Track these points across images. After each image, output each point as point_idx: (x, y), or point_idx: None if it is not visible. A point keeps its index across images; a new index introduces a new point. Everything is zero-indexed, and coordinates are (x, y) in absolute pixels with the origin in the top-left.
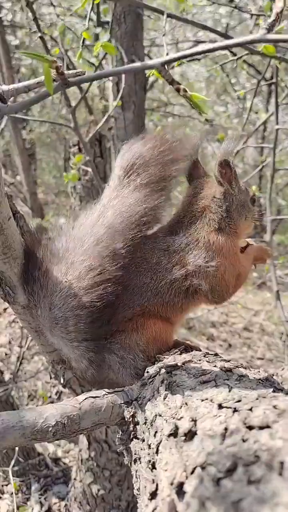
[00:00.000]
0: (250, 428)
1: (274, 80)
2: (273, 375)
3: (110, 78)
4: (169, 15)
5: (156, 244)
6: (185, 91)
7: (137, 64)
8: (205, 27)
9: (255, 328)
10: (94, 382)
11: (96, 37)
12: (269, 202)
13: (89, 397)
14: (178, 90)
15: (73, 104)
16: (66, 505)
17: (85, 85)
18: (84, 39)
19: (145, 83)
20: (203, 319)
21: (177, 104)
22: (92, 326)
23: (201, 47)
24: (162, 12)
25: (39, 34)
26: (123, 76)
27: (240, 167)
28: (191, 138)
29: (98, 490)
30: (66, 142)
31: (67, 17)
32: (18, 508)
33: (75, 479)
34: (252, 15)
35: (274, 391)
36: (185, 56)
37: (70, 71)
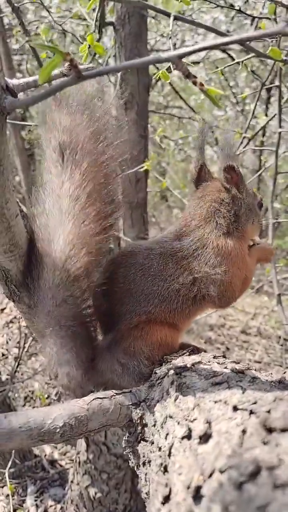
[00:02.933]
0: (271, 430)
1: (277, 83)
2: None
3: (112, 79)
4: (176, 17)
5: (164, 249)
6: (202, 84)
7: (152, 57)
8: (210, 29)
9: (253, 332)
10: (85, 388)
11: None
12: (270, 206)
13: (97, 398)
14: (195, 83)
15: None
16: (62, 507)
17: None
18: (89, 44)
19: (148, 84)
20: (201, 322)
21: (176, 106)
22: (89, 331)
23: (219, 40)
24: (168, 14)
25: (27, 38)
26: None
27: None
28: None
29: (95, 493)
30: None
31: (67, 19)
32: (14, 510)
33: (72, 481)
34: (253, 17)
35: None
36: (202, 49)
37: (82, 66)
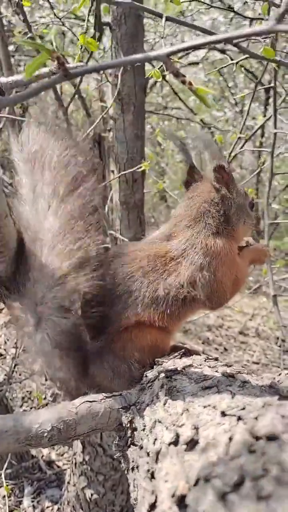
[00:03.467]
0: (257, 438)
1: (272, 85)
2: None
3: (110, 79)
4: (168, 18)
5: (153, 250)
6: (190, 84)
7: (140, 55)
8: (204, 30)
9: (251, 333)
10: (78, 391)
11: (99, 39)
12: (267, 206)
13: (86, 401)
14: (183, 82)
15: (72, 105)
16: (59, 509)
17: (77, 82)
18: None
19: (145, 84)
20: (199, 322)
21: (175, 107)
22: (80, 334)
23: (207, 38)
24: (160, 16)
25: (30, 34)
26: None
27: (238, 172)
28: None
29: (92, 495)
30: None
31: (64, 20)
32: (11, 511)
33: (68, 482)
34: (251, 19)
35: (279, 399)
36: (190, 47)
37: (71, 64)
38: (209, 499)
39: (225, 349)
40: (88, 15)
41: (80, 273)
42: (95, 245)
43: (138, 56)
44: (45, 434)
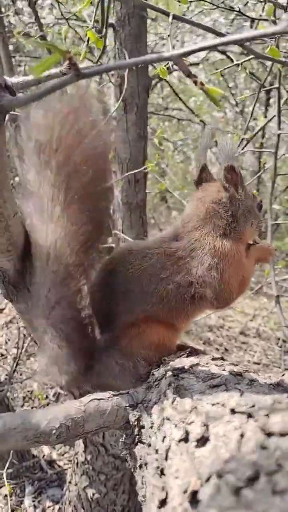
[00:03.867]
0: (269, 435)
1: (276, 85)
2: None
3: (113, 80)
4: (174, 17)
5: (162, 249)
6: (202, 84)
7: (153, 55)
8: (209, 29)
9: (252, 333)
10: (82, 388)
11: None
12: (269, 207)
13: (94, 399)
14: (195, 83)
15: None
16: (60, 508)
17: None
18: (88, 38)
19: (148, 85)
20: (200, 323)
21: (176, 108)
22: (88, 331)
23: (220, 39)
24: (167, 14)
25: (41, 33)
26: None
27: None
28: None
29: (93, 494)
30: None
31: (69, 20)
32: (12, 511)
33: (70, 482)
34: (252, 20)
35: None
36: (204, 48)
37: (81, 65)
38: (223, 495)
39: (226, 350)
40: (95, 14)
41: (86, 273)
42: (101, 243)
43: (152, 56)
44: (54, 431)
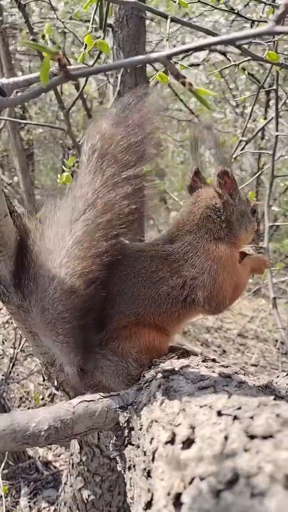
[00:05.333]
0: (252, 437)
1: (274, 87)
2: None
3: (111, 80)
4: (173, 19)
5: (155, 252)
6: (190, 85)
7: (141, 56)
8: (208, 32)
9: (250, 335)
10: (80, 388)
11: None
12: (267, 209)
13: (84, 400)
14: (183, 83)
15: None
16: (55, 509)
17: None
18: (86, 44)
19: (146, 86)
20: (198, 324)
21: (176, 109)
22: (83, 331)
23: (207, 40)
24: (166, 16)
25: (32, 37)
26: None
27: (237, 174)
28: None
29: (89, 495)
30: (64, 144)
31: (68, 20)
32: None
33: (65, 483)
34: (253, 21)
35: (275, 399)
36: (191, 49)
37: (72, 66)
38: (204, 497)
39: (224, 351)
40: (94, 16)
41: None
42: (109, 249)
43: (139, 57)
44: (42, 433)
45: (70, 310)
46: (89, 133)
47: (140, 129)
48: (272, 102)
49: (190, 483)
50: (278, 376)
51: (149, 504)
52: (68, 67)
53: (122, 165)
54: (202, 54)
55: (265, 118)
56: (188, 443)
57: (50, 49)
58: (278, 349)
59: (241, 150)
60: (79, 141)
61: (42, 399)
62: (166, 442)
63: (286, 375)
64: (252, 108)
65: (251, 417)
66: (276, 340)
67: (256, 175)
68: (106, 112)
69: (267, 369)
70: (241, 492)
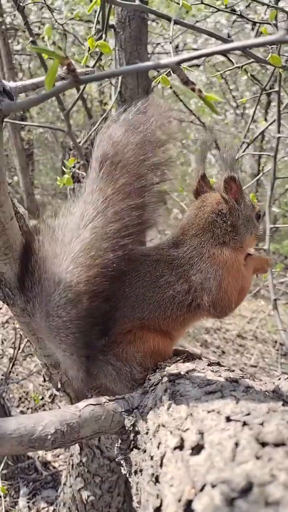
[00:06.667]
0: (264, 444)
1: (276, 89)
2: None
3: (113, 82)
4: (176, 22)
5: (160, 256)
6: (200, 91)
7: (150, 62)
8: (211, 34)
9: (249, 336)
10: (83, 390)
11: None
12: (268, 210)
13: (89, 404)
14: (193, 90)
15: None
16: (54, 510)
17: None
18: (89, 47)
19: (148, 87)
20: (197, 325)
21: (176, 110)
22: (87, 336)
23: (218, 47)
24: (169, 19)
25: (31, 39)
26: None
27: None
28: (170, 121)
29: (88, 496)
30: (64, 144)
31: (69, 21)
32: None
33: (64, 484)
34: (254, 23)
35: (283, 405)
36: (202, 55)
37: (80, 70)
38: (216, 505)
39: (223, 352)
40: (97, 17)
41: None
42: (115, 260)
43: (149, 63)
44: (49, 437)
45: (74, 320)
46: (101, 139)
47: (154, 139)
48: (273, 103)
49: (201, 490)
50: (279, 379)
51: (158, 510)
52: (77, 71)
53: (136, 176)
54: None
55: (266, 120)
56: (197, 449)
57: (59, 55)
58: (277, 350)
59: (243, 151)
60: (79, 142)
61: (42, 399)
62: (175, 448)
63: (287, 378)
64: (255, 110)
65: (261, 424)
66: (275, 341)
67: (258, 177)
68: (117, 117)
69: (266, 370)
70: (255, 500)
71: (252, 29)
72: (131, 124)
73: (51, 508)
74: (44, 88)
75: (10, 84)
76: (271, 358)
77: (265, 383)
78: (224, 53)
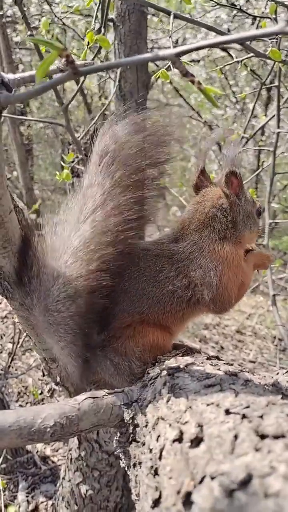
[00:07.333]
0: (263, 437)
1: (276, 84)
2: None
3: (112, 76)
4: (176, 16)
5: (160, 251)
6: (199, 83)
7: (149, 54)
8: (210, 28)
9: (248, 331)
10: (82, 384)
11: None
12: (267, 206)
13: (89, 397)
14: (192, 82)
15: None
16: (53, 504)
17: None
18: (88, 41)
19: (147, 81)
20: (196, 320)
21: (176, 104)
22: (86, 332)
23: (218, 39)
24: (169, 13)
25: (29, 32)
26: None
27: None
28: (174, 122)
29: (87, 490)
30: (63, 140)
31: (68, 15)
32: (5, 506)
33: (63, 478)
34: (254, 17)
35: (282, 398)
36: (201, 47)
37: (79, 62)
38: (216, 496)
39: (222, 348)
40: (97, 11)
41: (92, 276)
42: (115, 255)
43: (148, 55)
44: (48, 430)
45: (74, 315)
46: (103, 134)
47: (157, 139)
48: (274, 98)
49: (201, 482)
50: (277, 374)
51: (157, 502)
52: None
53: (134, 169)
54: (202, 50)
55: (266, 115)
56: (196, 441)
57: (57, 45)
58: (276, 345)
59: (243, 146)
60: (78, 137)
61: (41, 393)
62: (174, 440)
63: (286, 372)
64: (254, 105)
65: (261, 417)
66: (274, 337)
67: (257, 172)
68: (122, 115)
69: (265, 365)
70: (255, 492)
71: (252, 23)
72: (135, 124)
73: (50, 502)
74: (44, 82)
75: (8, 76)
76: (270, 354)
77: (264, 376)
78: (223, 44)
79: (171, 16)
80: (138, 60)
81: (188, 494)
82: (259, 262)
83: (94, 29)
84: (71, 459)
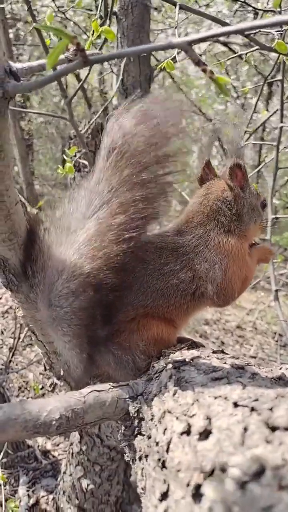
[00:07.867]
0: (274, 429)
1: (279, 78)
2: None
3: (115, 70)
4: (181, 7)
5: (165, 244)
6: (211, 72)
7: (161, 43)
8: (214, 19)
9: (248, 327)
10: (81, 380)
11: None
12: (270, 201)
13: (94, 390)
14: (204, 71)
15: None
16: (54, 498)
17: (82, 75)
18: (93, 31)
19: (150, 75)
20: (197, 316)
21: (177, 100)
22: (89, 328)
23: (230, 28)
24: (174, 3)
25: (34, 25)
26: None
27: None
28: (179, 113)
29: (88, 485)
30: (63, 134)
31: (70, 9)
32: (6, 500)
33: (64, 472)
34: (258, 10)
35: None
36: (213, 36)
37: (88, 51)
38: (228, 488)
39: (222, 343)
40: (100, 5)
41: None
42: (119, 253)
43: (160, 43)
44: (53, 422)
45: (76, 311)
46: (111, 127)
47: (164, 132)
48: (275, 93)
49: (211, 474)
50: (280, 368)
51: (165, 495)
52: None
53: (142, 166)
54: (203, 45)
55: (267, 110)
56: (205, 434)
57: (68, 34)
58: (277, 341)
59: (245, 141)
60: (81, 131)
61: (42, 388)
62: (182, 433)
63: None
64: (257, 99)
65: (270, 409)
66: (275, 333)
67: (259, 167)
68: (129, 106)
69: (266, 361)
70: (268, 484)
71: (255, 18)
72: (143, 115)
73: (51, 496)
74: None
75: (16, 65)
76: (270, 349)
77: (271, 370)
78: (236, 33)
79: (177, 7)
80: (151, 48)
81: (198, 487)
82: (262, 257)
83: (100, 17)
84: (72, 453)
